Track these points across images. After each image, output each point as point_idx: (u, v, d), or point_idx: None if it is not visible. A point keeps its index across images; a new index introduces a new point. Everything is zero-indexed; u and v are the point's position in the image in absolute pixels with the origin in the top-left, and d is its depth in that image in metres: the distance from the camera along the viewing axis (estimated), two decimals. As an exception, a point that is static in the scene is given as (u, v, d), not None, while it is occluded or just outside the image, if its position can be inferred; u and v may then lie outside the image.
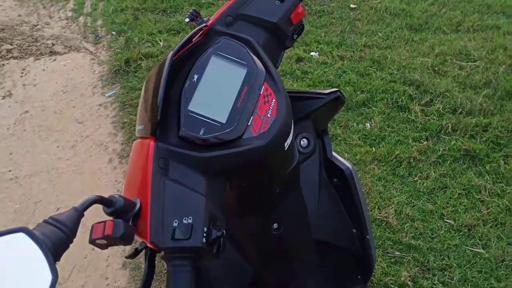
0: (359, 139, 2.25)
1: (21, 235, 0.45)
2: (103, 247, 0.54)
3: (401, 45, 2.94)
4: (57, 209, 1.96)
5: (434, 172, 2.04)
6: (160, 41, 2.97)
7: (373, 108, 2.43)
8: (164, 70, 0.60)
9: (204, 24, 0.69)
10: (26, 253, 0.44)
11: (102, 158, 2.19)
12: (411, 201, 1.91)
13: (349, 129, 2.32)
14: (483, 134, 2.22)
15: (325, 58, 2.84)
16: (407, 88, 2.53)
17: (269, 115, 0.63)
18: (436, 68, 2.68)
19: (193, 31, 0.66)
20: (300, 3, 0.76)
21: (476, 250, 1.71)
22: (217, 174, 0.61)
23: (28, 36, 3.27)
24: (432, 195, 1.94)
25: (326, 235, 1.07)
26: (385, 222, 1.80)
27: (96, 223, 0.53)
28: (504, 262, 1.67)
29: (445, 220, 1.83)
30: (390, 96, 2.49)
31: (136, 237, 0.58)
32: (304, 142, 0.93)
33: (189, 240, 0.54)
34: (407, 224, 1.79)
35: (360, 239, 1.10)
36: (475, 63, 2.70)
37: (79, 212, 0.52)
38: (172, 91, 0.62)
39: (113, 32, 3.22)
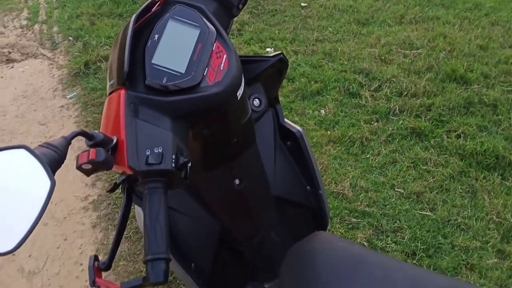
0: (315, 124, 2.42)
1: (22, 150, 0.55)
2: (88, 172, 0.65)
3: (350, 38, 3.17)
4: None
5: (385, 149, 2.24)
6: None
7: (327, 96, 2.62)
8: (128, 33, 0.73)
9: None
10: (27, 165, 0.55)
11: (68, 156, 2.25)
12: (364, 175, 2.09)
13: (306, 116, 2.50)
14: (427, 113, 2.45)
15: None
16: (357, 76, 2.74)
17: (221, 68, 0.77)
18: (382, 57, 2.91)
19: (149, 0, 0.79)
20: None
21: (424, 213, 1.90)
22: (180, 117, 0.74)
23: (-18, 46, 3.27)
24: (383, 169, 2.13)
25: (283, 192, 1.21)
26: (341, 195, 1.97)
27: (81, 152, 0.65)
28: (450, 222, 1.87)
29: (395, 189, 2.02)
30: (342, 84, 2.69)
31: (115, 169, 0.70)
32: (256, 102, 1.07)
33: (161, 165, 0.66)
34: (361, 195, 1.97)
35: (314, 195, 1.25)
36: (418, 50, 2.95)
37: (68, 140, 0.63)
38: (136, 51, 0.75)
39: (70, 38, 3.28)
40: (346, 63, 2.88)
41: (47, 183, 0.55)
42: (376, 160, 2.18)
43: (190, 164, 0.70)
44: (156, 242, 0.63)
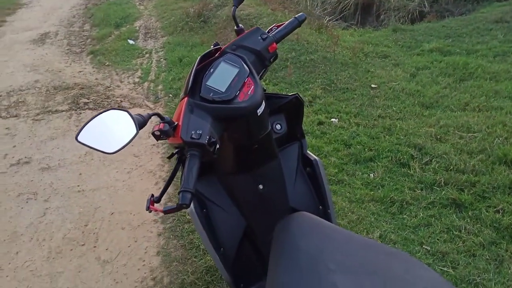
0: (362, 185, 2.75)
1: (124, 113, 1.06)
2: (156, 137, 1.13)
3: (411, 117, 3.51)
4: (112, 213, 2.56)
5: (422, 214, 2.48)
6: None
7: (378, 163, 2.95)
8: (193, 66, 1.24)
9: (219, 46, 1.34)
10: (127, 119, 1.05)
11: (151, 181, 2.83)
12: (397, 231, 2.35)
13: (355, 177, 2.84)
14: (471, 188, 2.66)
15: (343, 124, 3.45)
16: (410, 149, 3.05)
17: (249, 93, 1.24)
18: (438, 136, 3.20)
19: (211, 48, 1.31)
20: (274, 42, 1.40)
21: (445, 269, 2.10)
22: (218, 119, 1.21)
23: (101, 94, 4.15)
24: (416, 229, 2.37)
25: (299, 205, 1.60)
26: (370, 242, 2.24)
27: (156, 125, 1.13)
28: (468, 280, 2.04)
29: (423, 246, 2.24)
30: (394, 155, 3.01)
31: (171, 141, 1.18)
32: (278, 126, 1.51)
33: (199, 139, 1.12)
34: (389, 244, 2.22)
35: (324, 213, 1.62)
36: (474, 134, 3.20)
37: (150, 115, 1.13)
38: (199, 77, 1.25)
39: (170, 94, 4.04)
40: (402, 137, 3.21)
41: (134, 129, 1.04)
42: (411, 221, 2.43)
43: (218, 146, 1.15)
44: (187, 182, 1.07)
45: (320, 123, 3.47)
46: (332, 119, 3.53)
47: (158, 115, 1.17)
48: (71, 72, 4.80)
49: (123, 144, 1.04)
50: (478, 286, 2.01)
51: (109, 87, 4.36)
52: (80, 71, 4.81)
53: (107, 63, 4.97)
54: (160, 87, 4.30)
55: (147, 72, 4.65)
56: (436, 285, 0.87)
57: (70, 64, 5.05)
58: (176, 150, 1.23)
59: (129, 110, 1.07)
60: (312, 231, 1.18)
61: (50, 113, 3.87)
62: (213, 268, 2.09)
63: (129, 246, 2.32)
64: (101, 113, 1.09)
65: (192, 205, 1.52)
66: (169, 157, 1.28)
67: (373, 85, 4.08)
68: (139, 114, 1.13)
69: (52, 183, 2.89)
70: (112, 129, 1.06)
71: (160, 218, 2.50)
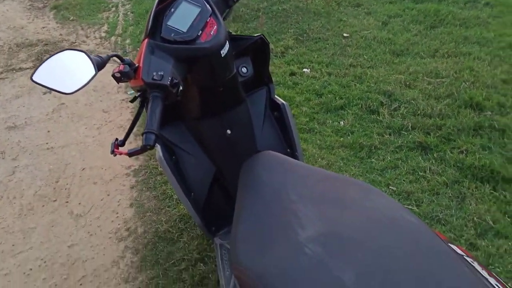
0: (332, 132, 2.81)
1: (81, 53, 1.05)
2: (117, 79, 1.13)
3: (382, 65, 3.54)
4: (83, 169, 2.56)
5: (390, 157, 2.56)
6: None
7: (348, 111, 3.00)
8: (153, 7, 1.22)
9: None
10: (84, 60, 1.04)
11: (121, 136, 2.80)
12: (364, 174, 2.43)
13: (325, 125, 2.89)
14: (437, 131, 2.75)
15: (315, 74, 3.46)
16: (379, 96, 3.10)
17: (212, 33, 1.23)
18: (407, 83, 3.25)
19: None
20: None
21: (409, 207, 2.20)
22: (180, 60, 1.21)
23: (67, 50, 4.03)
24: (384, 172, 2.46)
25: (267, 148, 1.62)
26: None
27: (116, 67, 1.13)
28: (431, 216, 2.15)
29: (389, 187, 2.33)
30: (364, 102, 3.06)
31: (133, 84, 1.18)
32: (244, 69, 1.51)
33: (161, 81, 1.12)
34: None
35: (292, 156, 1.65)
36: (442, 79, 3.26)
37: (108, 56, 1.12)
38: (159, 17, 1.24)
39: (138, 48, 3.94)
40: (372, 85, 3.25)
41: (92, 70, 1.04)
42: (379, 164, 2.51)
43: (181, 88, 1.15)
44: (151, 123, 1.08)
45: (292, 73, 3.47)
46: (304, 69, 3.53)
47: (118, 56, 1.17)
48: (34, 28, 4.62)
49: (81, 85, 1.04)
50: (440, 221, 2.12)
51: (74, 42, 4.23)
52: (44, 27, 4.63)
53: (72, 17, 4.79)
54: (127, 41, 4.20)
55: (113, 26, 4.51)
56: (394, 209, 0.92)
57: (33, 20, 4.85)
58: (139, 93, 1.23)
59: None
60: (276, 167, 1.22)
61: (14, 71, 3.76)
62: (186, 216, 2.14)
63: (101, 200, 2.34)
64: (57, 53, 1.08)
65: (160, 152, 1.54)
66: (132, 101, 1.28)
67: (345, 34, 4.06)
68: (98, 55, 1.12)
69: (19, 142, 2.85)
70: (70, 70, 1.05)
71: (132, 172, 2.52)
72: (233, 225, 1.06)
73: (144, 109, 1.28)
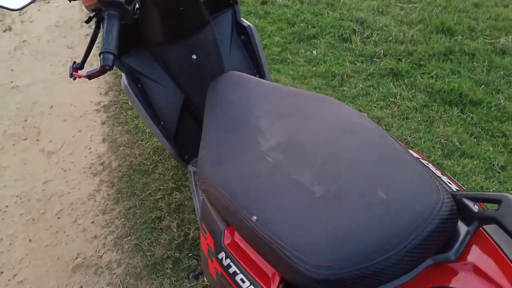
0: (305, 62, 2.81)
1: None
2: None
3: (355, -8, 3.48)
4: (51, 107, 2.53)
5: (362, 85, 2.60)
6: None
7: (321, 40, 2.98)
8: None
9: None
10: None
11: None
12: (337, 101, 2.47)
13: (298, 55, 2.88)
14: (408, 57, 2.78)
15: (287, 2, 3.39)
16: (352, 24, 3.08)
17: None
18: (380, 9, 3.23)
19: None
20: None
21: (380, 132, 2.27)
22: None
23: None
24: (355, 99, 2.50)
25: (235, 70, 1.62)
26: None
27: None
28: (400, 139, 2.22)
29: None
30: (337, 30, 3.04)
31: (86, 3, 1.14)
32: None
33: None
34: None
35: (260, 77, 1.65)
36: (415, 4, 3.25)
37: None
38: None
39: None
40: (345, 12, 3.22)
41: None
42: (351, 92, 2.55)
43: (137, 6, 1.12)
44: (108, 43, 1.06)
45: (264, 2, 3.39)
46: (276, -2, 3.45)
47: None
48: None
49: (29, 0, 1.01)
50: (409, 144, 2.21)
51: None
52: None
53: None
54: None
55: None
56: (353, 117, 0.96)
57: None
58: (93, 13, 1.19)
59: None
60: (241, 86, 1.23)
61: (-32, 8, 3.56)
62: (160, 149, 2.17)
63: (73, 136, 2.33)
64: None
65: (126, 81, 1.52)
66: (87, 22, 1.25)
67: (317, -40, 3.94)
68: None
69: (-18, 82, 2.77)
70: None
71: (102, 108, 2.49)
72: (200, 144, 1.09)
73: (101, 29, 1.25)
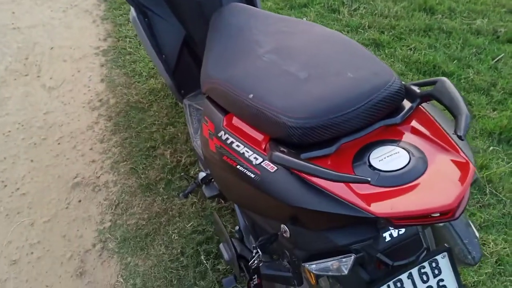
0: (294, 27, 3.00)
1: None
2: None
3: (347, -32, 3.68)
4: (52, 48, 2.68)
5: (346, 51, 2.81)
6: None
7: (311, 8, 3.19)
8: None
9: None
10: None
11: (88, 20, 2.91)
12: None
13: (289, 20, 3.08)
14: (391, 30, 3.01)
15: (281, -28, 3.57)
16: (341, -4, 3.29)
17: None
18: (369, -14, 3.44)
19: None
20: None
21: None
22: None
23: None
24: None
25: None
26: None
27: None
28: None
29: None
30: (327, 1, 3.25)
31: None
32: None
33: None
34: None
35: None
36: (401, -16, 3.47)
37: None
38: None
39: None
40: (335, -14, 3.43)
41: None
42: (335, 56, 2.76)
43: None
44: None
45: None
46: (270, -32, 3.63)
47: None
48: None
49: None
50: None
51: None
52: None
53: None
54: None
55: None
56: (334, 34, 1.18)
57: None
58: None
59: None
60: (243, 13, 1.44)
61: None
62: (156, 90, 2.36)
63: (72, 75, 2.50)
64: None
65: (134, 13, 1.71)
66: None
67: None
68: None
69: (-17, 21, 2.90)
70: None
71: (101, 52, 2.66)
72: (204, 56, 1.29)
73: None
